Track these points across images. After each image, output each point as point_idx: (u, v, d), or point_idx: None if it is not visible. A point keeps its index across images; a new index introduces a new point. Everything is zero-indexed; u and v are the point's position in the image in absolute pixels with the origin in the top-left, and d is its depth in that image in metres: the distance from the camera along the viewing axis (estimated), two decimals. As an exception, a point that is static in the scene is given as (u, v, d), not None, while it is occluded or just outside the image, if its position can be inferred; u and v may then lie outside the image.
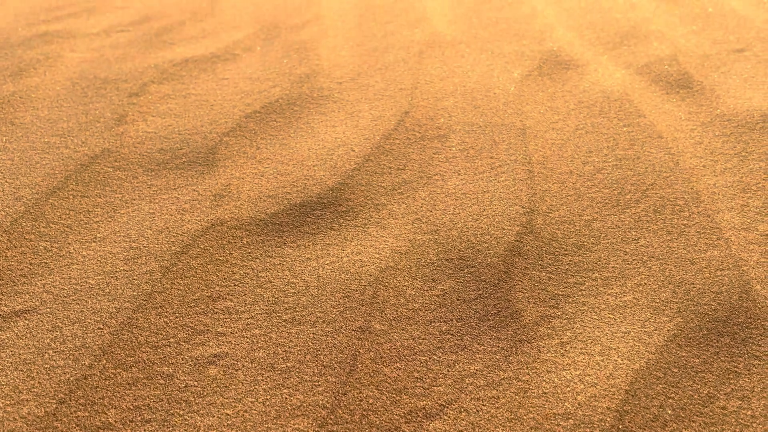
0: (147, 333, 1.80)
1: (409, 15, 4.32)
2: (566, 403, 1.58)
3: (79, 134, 2.81)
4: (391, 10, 4.45)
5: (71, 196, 2.39)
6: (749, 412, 1.54)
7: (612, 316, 1.82)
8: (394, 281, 1.97)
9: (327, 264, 2.04)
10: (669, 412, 1.55)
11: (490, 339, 1.76)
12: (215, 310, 1.88)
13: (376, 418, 1.55)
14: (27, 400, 1.61)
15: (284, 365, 1.70)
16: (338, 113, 3.03)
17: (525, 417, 1.55)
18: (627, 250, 2.07)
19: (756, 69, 3.29)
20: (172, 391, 1.62)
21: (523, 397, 1.59)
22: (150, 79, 3.34)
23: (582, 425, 1.52)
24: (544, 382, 1.63)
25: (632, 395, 1.59)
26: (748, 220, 2.19)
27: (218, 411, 1.57)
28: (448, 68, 3.48)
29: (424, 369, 1.68)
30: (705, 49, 3.59)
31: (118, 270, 2.03)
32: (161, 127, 2.88)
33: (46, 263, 2.06)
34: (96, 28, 4.12)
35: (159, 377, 1.66)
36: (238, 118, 2.95)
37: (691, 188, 2.36)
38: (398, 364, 1.69)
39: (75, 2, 4.73)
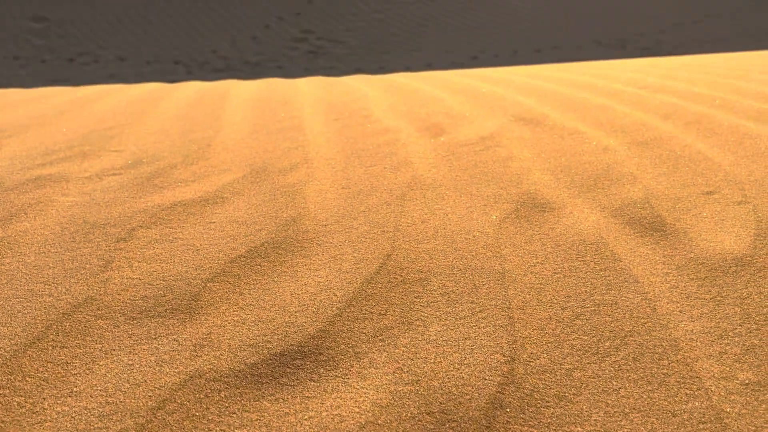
0: (116, 499, 1.73)
1: (393, 159, 4.50)
2: None
3: (64, 281, 2.84)
4: (376, 153, 4.64)
5: (50, 347, 2.38)
6: None
7: (596, 475, 1.78)
8: (374, 437, 1.93)
9: (305, 419, 2.01)
10: None
11: (471, 502, 1.71)
12: (189, 471, 1.82)
13: None
14: None
15: None
16: (322, 256, 3.09)
17: None
18: (608, 401, 2.06)
19: (726, 212, 3.42)
20: None
21: None
22: (138, 223, 3.41)
23: None
24: None
25: None
26: (728, 369, 2.19)
27: None
28: (429, 210, 3.60)
29: None
30: (676, 191, 3.74)
31: (92, 428, 1.98)
32: (146, 273, 2.92)
33: (18, 421, 2.02)
34: (89, 172, 4.26)
35: None
36: (223, 263, 3.00)
37: (669, 335, 2.39)
38: None
39: (71, 146, 4.92)
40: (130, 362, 2.29)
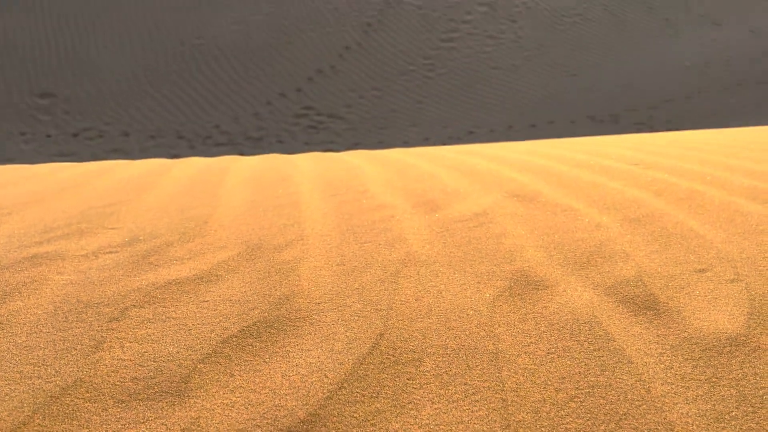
0: None
1: (387, 235, 4.54)
2: None
3: (54, 363, 2.82)
4: (371, 230, 4.69)
5: (35, 432, 2.34)
6: None
7: None
8: None
9: None
10: None
11: None
12: None
13: None
14: None
15: None
16: (314, 336, 3.07)
17: None
18: (603, 489, 2.01)
19: (719, 290, 3.43)
20: None
21: None
22: (132, 302, 3.41)
23: None
24: None
25: None
26: (724, 454, 2.15)
27: None
28: (423, 288, 3.60)
29: None
30: (668, 269, 3.76)
31: None
32: (137, 353, 2.90)
33: None
34: (85, 250, 4.29)
35: None
36: (215, 344, 2.98)
37: (664, 418, 2.35)
38: None
39: (69, 223, 4.96)
40: (116, 448, 2.25)
